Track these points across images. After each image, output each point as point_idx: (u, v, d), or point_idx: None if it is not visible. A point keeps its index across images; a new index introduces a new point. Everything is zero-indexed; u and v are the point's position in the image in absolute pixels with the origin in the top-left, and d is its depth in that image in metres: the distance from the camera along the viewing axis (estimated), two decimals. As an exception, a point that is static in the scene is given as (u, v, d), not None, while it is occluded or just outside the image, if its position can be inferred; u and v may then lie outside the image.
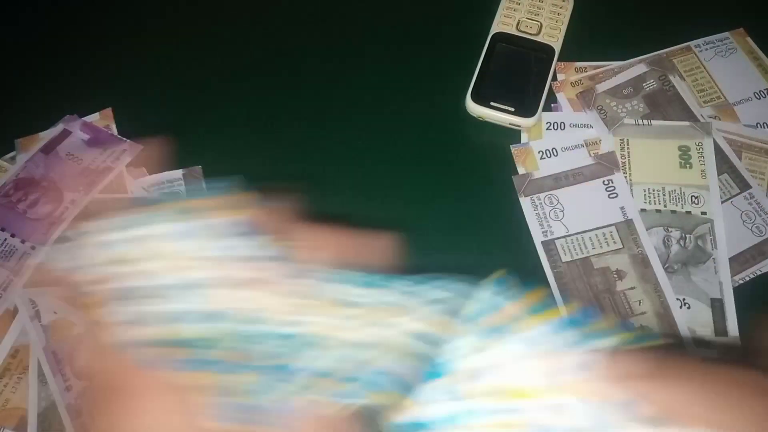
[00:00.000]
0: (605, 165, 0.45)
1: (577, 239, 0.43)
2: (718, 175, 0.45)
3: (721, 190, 0.44)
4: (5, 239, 0.44)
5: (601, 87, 0.48)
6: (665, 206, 0.44)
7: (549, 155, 0.46)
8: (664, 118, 0.47)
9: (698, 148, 0.45)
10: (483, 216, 0.45)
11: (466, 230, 0.45)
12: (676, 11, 0.51)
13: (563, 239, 0.43)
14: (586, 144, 0.46)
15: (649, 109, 0.47)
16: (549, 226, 0.44)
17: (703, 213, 0.44)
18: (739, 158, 0.45)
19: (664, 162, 0.45)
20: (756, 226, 0.43)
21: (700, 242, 0.43)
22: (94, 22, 0.55)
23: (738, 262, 0.42)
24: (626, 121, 0.46)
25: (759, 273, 0.42)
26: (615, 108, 0.47)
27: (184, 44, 0.53)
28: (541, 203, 0.45)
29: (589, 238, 0.43)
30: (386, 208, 0.46)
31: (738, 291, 0.41)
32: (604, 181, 0.45)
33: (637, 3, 0.52)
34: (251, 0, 0.55)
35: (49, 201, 0.46)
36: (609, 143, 0.46)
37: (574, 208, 0.44)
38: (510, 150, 0.47)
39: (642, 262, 0.42)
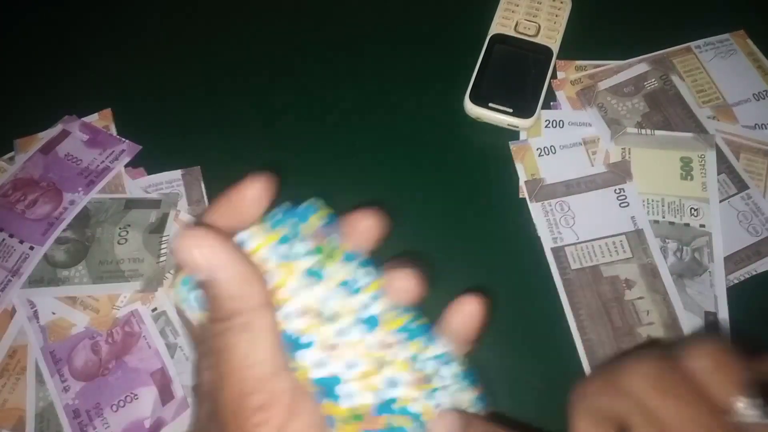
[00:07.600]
0: (617, 174, 0.45)
1: (587, 247, 0.43)
2: (716, 175, 0.44)
3: (719, 190, 0.44)
4: (3, 239, 0.44)
5: (602, 85, 0.48)
6: (663, 217, 0.44)
7: (547, 153, 0.46)
8: (665, 118, 0.47)
9: (701, 160, 0.45)
10: (481, 217, 0.45)
11: (466, 231, 0.45)
12: (676, 12, 0.51)
13: (573, 246, 0.43)
14: (584, 142, 0.46)
15: (649, 108, 0.47)
16: (559, 232, 0.44)
17: (702, 226, 0.43)
18: (737, 159, 0.45)
19: (665, 172, 0.45)
20: (752, 227, 0.43)
21: (696, 255, 0.42)
22: (93, 23, 0.54)
23: (733, 261, 0.42)
24: (626, 122, 0.46)
25: (754, 273, 0.42)
26: (615, 106, 0.47)
27: (183, 45, 0.53)
28: (552, 209, 0.44)
29: (599, 246, 0.43)
30: (384, 210, 0.46)
31: (731, 291, 0.41)
32: (615, 189, 0.44)
33: (636, 4, 0.52)
34: (250, 1, 0.55)
35: (47, 201, 0.46)
36: (607, 142, 0.46)
37: (585, 215, 0.44)
38: (509, 151, 0.47)
39: (651, 272, 0.42)
